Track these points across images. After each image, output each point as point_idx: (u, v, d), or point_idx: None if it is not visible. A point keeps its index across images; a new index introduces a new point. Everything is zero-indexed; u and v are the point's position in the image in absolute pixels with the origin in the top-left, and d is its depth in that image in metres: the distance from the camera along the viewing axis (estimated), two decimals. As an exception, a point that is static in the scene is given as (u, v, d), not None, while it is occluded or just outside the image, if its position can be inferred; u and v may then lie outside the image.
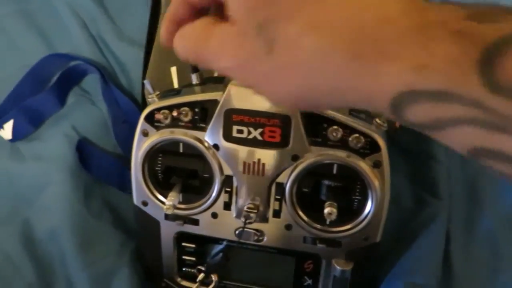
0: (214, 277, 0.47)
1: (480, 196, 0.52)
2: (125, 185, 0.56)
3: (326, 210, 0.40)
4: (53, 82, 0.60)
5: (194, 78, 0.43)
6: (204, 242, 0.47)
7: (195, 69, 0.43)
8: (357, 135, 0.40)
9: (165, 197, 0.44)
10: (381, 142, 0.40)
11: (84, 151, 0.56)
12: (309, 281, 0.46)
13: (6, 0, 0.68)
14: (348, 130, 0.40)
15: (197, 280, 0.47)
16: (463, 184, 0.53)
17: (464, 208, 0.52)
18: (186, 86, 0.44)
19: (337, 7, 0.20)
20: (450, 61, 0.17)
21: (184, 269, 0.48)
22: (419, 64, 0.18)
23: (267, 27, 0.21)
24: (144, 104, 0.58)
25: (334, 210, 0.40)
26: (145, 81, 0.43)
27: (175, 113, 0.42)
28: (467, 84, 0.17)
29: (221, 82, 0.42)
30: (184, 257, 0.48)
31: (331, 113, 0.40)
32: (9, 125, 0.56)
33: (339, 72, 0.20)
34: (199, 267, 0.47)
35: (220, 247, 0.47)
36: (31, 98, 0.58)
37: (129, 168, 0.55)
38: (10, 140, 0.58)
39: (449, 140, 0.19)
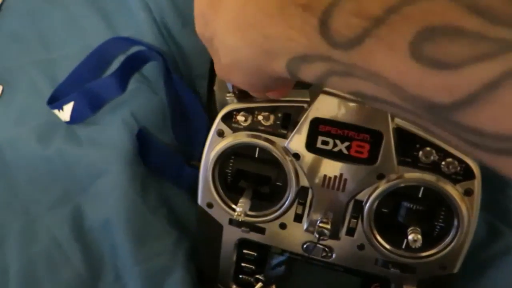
0: (272, 289, 0.45)
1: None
2: (181, 181, 0.54)
3: (410, 237, 0.37)
4: (117, 67, 0.58)
5: (278, 80, 0.41)
6: (267, 251, 0.44)
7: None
8: (451, 159, 0.37)
9: (232, 201, 0.42)
10: (476, 170, 0.37)
11: (143, 141, 0.54)
12: (373, 304, 0.44)
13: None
14: (442, 153, 0.37)
15: (254, 289, 0.45)
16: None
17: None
18: (268, 88, 0.41)
19: (233, 6, 0.26)
20: (301, 31, 0.22)
21: (240, 276, 0.46)
22: (287, 38, 0.23)
23: (211, 42, 0.29)
24: (210, 98, 0.56)
25: (419, 237, 0.37)
26: None
27: (255, 116, 0.39)
28: (316, 46, 0.22)
29: (307, 87, 0.40)
30: (243, 264, 0.46)
31: (426, 133, 0.37)
32: (69, 107, 0.55)
33: (254, 58, 0.26)
34: (257, 276, 0.45)
35: (282, 258, 0.45)
36: (93, 82, 0.56)
37: (187, 164, 0.54)
38: (67, 122, 0.56)
39: (336, 87, 0.24)
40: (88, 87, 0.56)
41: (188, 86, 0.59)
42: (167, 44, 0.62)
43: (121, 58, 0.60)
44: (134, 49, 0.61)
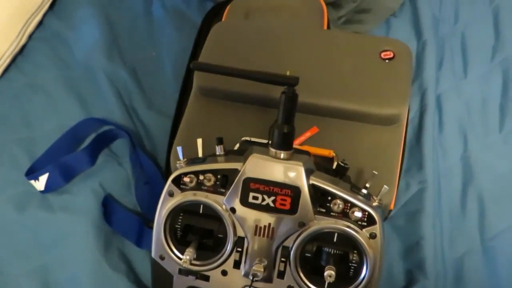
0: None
1: (466, 275, 0.57)
2: (141, 241, 0.61)
3: (326, 273, 0.45)
4: (88, 143, 0.67)
5: (218, 150, 0.50)
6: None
7: (219, 141, 0.50)
8: (356, 209, 0.46)
9: (181, 252, 0.49)
10: (377, 217, 0.46)
11: (108, 206, 0.62)
12: None
13: (52, 66, 0.77)
14: (349, 204, 0.46)
15: (203, 334, 0.50)
16: (450, 264, 0.57)
17: (450, 288, 0.56)
18: (210, 156, 0.50)
19: None
20: None
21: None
22: None
23: None
24: (168, 168, 0.65)
25: (333, 273, 0.44)
26: (178, 148, 0.49)
27: (200, 178, 0.48)
28: None
29: (241, 154, 0.49)
30: (193, 309, 0.52)
31: (335, 188, 0.46)
32: (44, 178, 0.63)
33: None
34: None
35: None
36: (67, 155, 0.65)
37: (147, 226, 0.61)
38: (42, 192, 0.64)
39: None
40: (62, 160, 0.64)
41: (152, 158, 0.68)
42: (134, 124, 0.72)
43: (93, 136, 0.69)
44: (105, 128, 0.70)
